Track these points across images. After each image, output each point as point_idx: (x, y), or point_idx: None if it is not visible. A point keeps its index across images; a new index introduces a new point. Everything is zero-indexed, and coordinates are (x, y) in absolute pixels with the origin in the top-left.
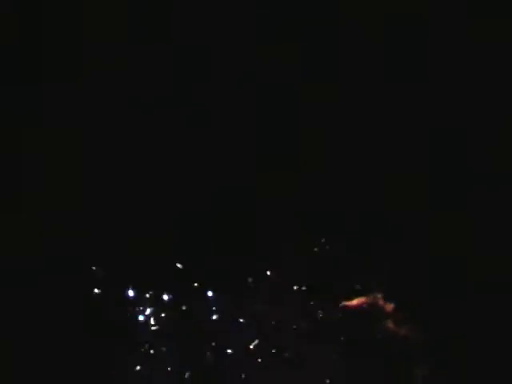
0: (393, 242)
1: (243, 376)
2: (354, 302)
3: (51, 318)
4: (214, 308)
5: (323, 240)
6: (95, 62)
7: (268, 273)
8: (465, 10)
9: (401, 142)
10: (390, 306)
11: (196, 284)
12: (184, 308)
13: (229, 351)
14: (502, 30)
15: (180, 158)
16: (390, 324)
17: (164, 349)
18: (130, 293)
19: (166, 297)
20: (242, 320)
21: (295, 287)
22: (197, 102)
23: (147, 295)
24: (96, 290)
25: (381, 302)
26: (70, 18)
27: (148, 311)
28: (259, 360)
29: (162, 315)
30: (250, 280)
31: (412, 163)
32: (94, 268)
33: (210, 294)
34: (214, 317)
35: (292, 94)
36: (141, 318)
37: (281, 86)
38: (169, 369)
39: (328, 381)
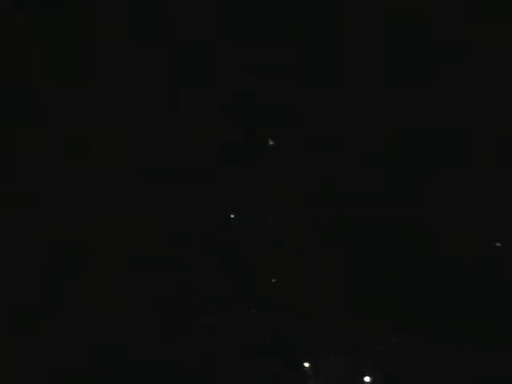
0: None
1: None
2: None
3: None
4: None
5: None
6: (96, 61)
7: None
8: (465, 10)
9: (400, 140)
10: None
11: None
12: None
13: None
14: (502, 30)
15: (179, 161)
16: None
17: None
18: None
19: None
20: None
21: None
22: (197, 102)
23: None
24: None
25: None
26: (69, 17)
27: None
28: None
29: None
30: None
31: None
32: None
33: None
34: None
35: (292, 94)
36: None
37: (281, 86)
38: None
39: None
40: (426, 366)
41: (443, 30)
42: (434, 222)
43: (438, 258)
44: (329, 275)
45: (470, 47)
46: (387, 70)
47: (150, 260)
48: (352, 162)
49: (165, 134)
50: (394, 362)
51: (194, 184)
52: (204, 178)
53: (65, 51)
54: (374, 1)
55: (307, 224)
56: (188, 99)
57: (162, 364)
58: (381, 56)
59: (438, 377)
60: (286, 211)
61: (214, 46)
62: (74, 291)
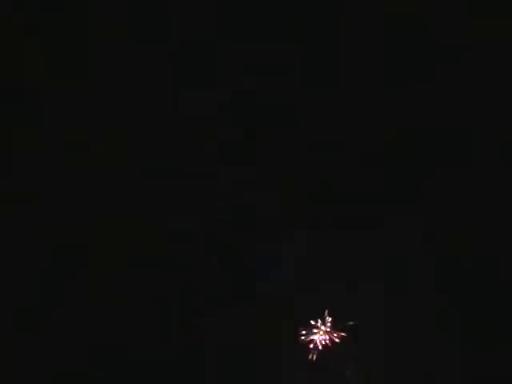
0: None
1: None
2: None
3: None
4: None
5: None
6: (96, 61)
7: None
8: (465, 10)
9: (400, 139)
10: None
11: None
12: None
13: None
14: (502, 30)
15: (180, 161)
16: None
17: None
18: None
19: None
20: None
21: None
22: (197, 102)
23: None
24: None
25: None
26: (69, 17)
27: None
28: None
29: None
30: None
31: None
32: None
33: None
34: None
35: (292, 93)
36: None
37: (281, 86)
38: None
39: None
40: (426, 366)
41: (443, 29)
42: (433, 222)
43: (438, 257)
44: (329, 275)
45: (469, 47)
46: (387, 69)
47: (150, 260)
48: (352, 162)
49: (165, 134)
50: (395, 361)
51: (194, 184)
52: (204, 178)
53: (65, 51)
54: (374, 1)
55: (307, 224)
56: (188, 99)
57: (162, 364)
58: (381, 56)
59: (439, 377)
60: (285, 211)
61: (213, 46)
62: (73, 291)
